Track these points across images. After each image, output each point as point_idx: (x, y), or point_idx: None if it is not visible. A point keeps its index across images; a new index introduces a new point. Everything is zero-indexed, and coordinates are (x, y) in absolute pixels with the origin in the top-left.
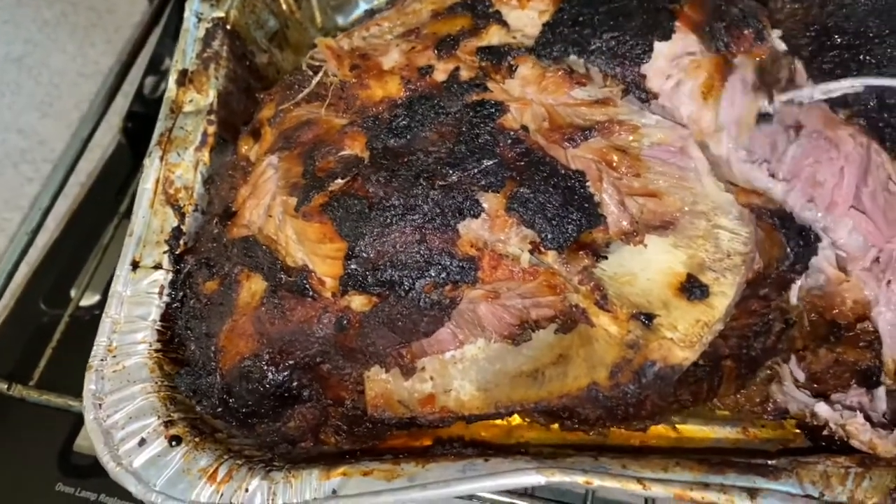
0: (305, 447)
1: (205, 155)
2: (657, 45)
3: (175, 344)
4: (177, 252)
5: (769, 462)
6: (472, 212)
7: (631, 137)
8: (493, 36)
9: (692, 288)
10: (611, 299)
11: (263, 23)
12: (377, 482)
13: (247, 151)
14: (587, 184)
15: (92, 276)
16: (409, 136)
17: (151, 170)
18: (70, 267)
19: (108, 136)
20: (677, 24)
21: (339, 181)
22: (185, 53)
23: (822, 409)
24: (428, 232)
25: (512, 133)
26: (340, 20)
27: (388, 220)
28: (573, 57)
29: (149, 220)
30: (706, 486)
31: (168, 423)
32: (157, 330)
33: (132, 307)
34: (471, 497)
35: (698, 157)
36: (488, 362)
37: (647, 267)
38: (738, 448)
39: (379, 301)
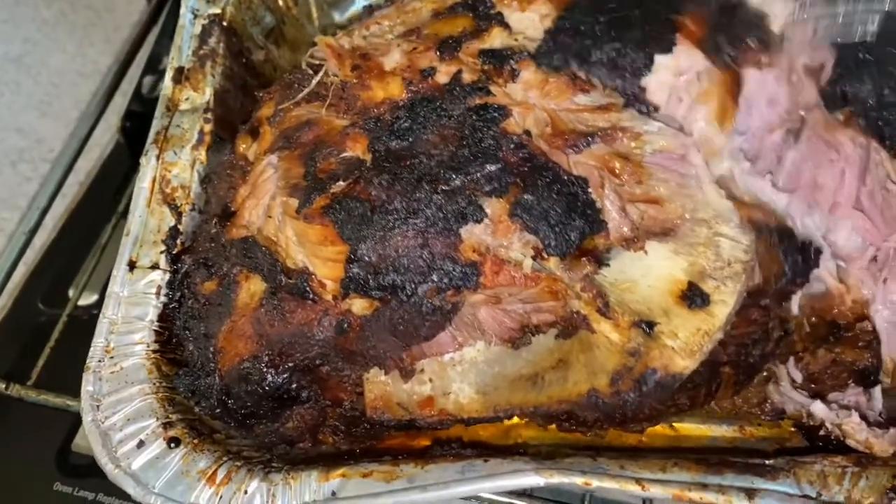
0: (304, 447)
1: (201, 153)
2: (658, 58)
3: (173, 344)
4: (174, 252)
5: (767, 462)
6: (475, 217)
7: (633, 144)
8: (496, 38)
9: (693, 296)
10: (612, 307)
11: (260, 19)
12: (376, 484)
13: (245, 150)
14: (589, 190)
15: (90, 276)
16: (411, 139)
17: (148, 168)
18: (68, 266)
19: (106, 135)
20: (679, 36)
21: (341, 183)
22: (182, 50)
23: (818, 409)
24: (430, 236)
25: (515, 138)
26: (337, 16)
27: (391, 224)
28: (574, 66)
29: (145, 219)
30: (704, 486)
31: (167, 425)
32: (155, 330)
33: (129, 308)
34: (468, 497)
35: (700, 164)
36: (487, 365)
37: (647, 273)
38: (735, 447)
39: (380, 305)
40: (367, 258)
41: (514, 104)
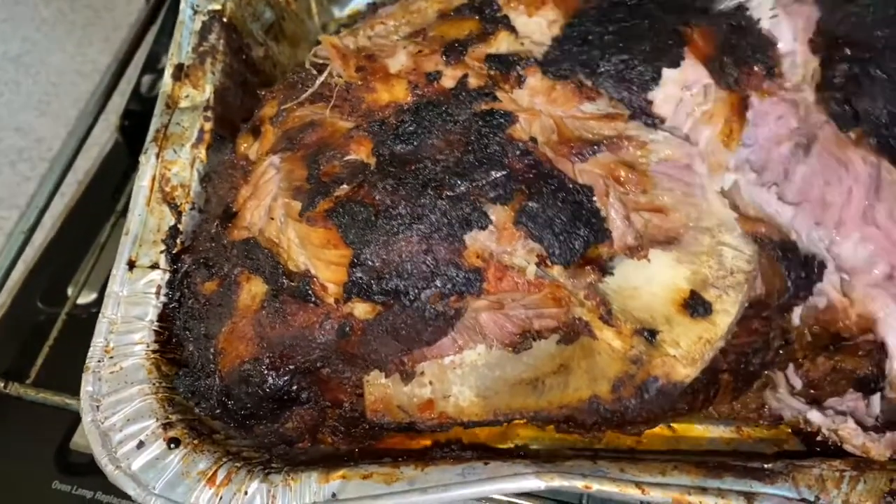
0: (303, 447)
1: (201, 152)
2: (666, 72)
3: (172, 344)
4: (174, 251)
5: (765, 466)
6: (479, 223)
7: (639, 153)
8: (502, 42)
9: (695, 305)
10: (615, 314)
11: (260, 15)
12: (377, 486)
13: (246, 150)
14: (594, 199)
15: (89, 275)
16: (416, 143)
17: (147, 167)
18: (67, 265)
19: (105, 134)
20: (687, 50)
21: (345, 187)
22: (182, 47)
23: (814, 416)
24: (434, 242)
25: (521, 144)
26: (337, 12)
27: (395, 229)
28: (581, 76)
29: (145, 218)
30: (704, 490)
31: (166, 426)
32: (155, 330)
33: (129, 307)
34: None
35: (704, 173)
36: (488, 369)
37: (650, 281)
38: (734, 450)
39: (383, 309)
40: (370, 262)
41: (521, 110)
